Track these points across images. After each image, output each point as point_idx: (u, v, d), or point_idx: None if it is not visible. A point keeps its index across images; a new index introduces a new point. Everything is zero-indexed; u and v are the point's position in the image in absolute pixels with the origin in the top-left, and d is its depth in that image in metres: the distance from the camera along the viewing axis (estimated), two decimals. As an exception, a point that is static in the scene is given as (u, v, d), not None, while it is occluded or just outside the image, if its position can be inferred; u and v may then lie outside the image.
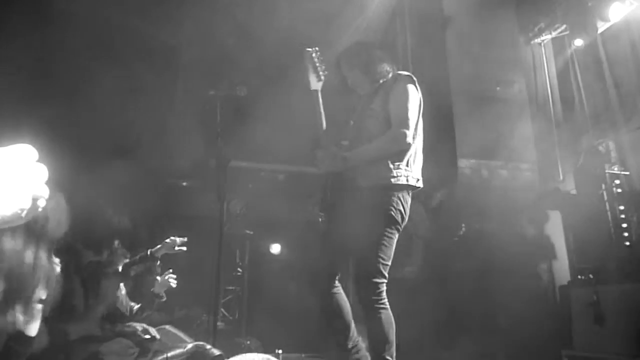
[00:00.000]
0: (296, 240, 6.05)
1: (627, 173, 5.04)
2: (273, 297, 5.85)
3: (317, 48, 2.64)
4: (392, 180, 2.61)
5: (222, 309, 5.70)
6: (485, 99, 5.61)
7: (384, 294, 2.55)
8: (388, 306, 2.55)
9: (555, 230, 5.56)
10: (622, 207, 4.84)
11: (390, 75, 2.82)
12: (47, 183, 0.83)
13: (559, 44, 6.26)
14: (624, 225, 4.78)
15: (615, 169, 5.00)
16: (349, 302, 2.73)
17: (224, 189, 3.31)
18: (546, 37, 6.26)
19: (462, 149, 5.45)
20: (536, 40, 6.29)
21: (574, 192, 5.61)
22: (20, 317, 1.69)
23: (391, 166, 2.62)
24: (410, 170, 2.68)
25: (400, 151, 2.63)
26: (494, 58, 5.72)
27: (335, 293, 2.69)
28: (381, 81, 2.81)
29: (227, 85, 3.26)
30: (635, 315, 4.07)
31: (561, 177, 5.89)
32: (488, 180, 5.48)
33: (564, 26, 5.99)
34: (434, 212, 5.22)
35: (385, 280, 2.56)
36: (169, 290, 3.55)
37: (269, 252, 6.43)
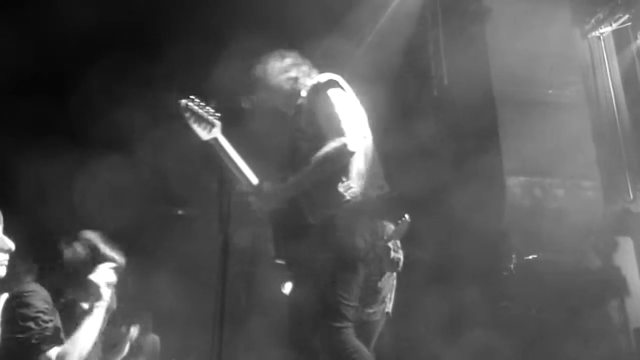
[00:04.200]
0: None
1: None
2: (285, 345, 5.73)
3: (192, 96, 2.63)
4: (346, 205, 2.57)
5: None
6: (536, 104, 5.53)
7: (351, 337, 2.48)
8: (360, 347, 2.48)
9: (627, 260, 5.40)
10: None
11: (306, 81, 2.89)
12: None
13: (621, 37, 6.20)
14: None
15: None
16: None
17: (228, 218, 3.22)
18: (606, 30, 6.21)
19: (510, 164, 5.36)
20: (594, 34, 6.25)
21: (647, 213, 5.50)
22: None
23: (340, 189, 2.58)
24: (364, 180, 2.65)
25: (344, 165, 2.61)
26: (545, 56, 5.64)
27: None
28: (302, 93, 2.86)
29: (229, 96, 3.23)
30: None
31: (631, 196, 5.79)
32: (542, 201, 5.37)
33: (626, 16, 5.94)
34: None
35: (349, 324, 2.49)
36: (165, 341, 3.49)
37: (281, 292, 6.33)
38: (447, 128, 5.44)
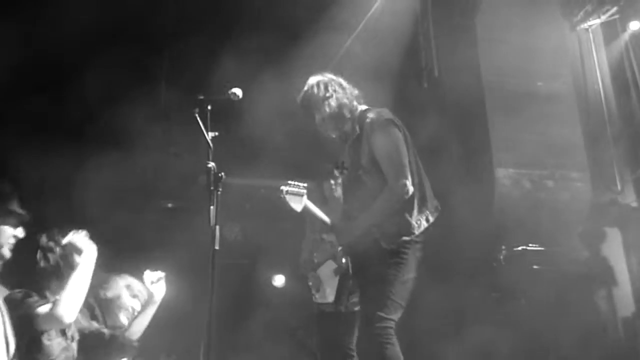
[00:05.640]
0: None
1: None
2: (276, 338, 5.79)
3: (289, 181, 3.13)
4: (415, 230, 3.02)
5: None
6: (525, 96, 5.57)
7: (391, 331, 2.83)
8: (396, 344, 2.81)
9: (614, 250, 5.50)
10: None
11: (351, 105, 3.19)
12: None
13: (610, 30, 6.23)
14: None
15: (684, 175, 4.97)
16: None
17: (216, 210, 3.29)
18: (594, 22, 6.23)
19: (499, 156, 5.42)
20: (583, 26, 6.26)
21: (635, 204, 5.58)
22: None
23: (409, 219, 3.01)
24: (426, 208, 3.09)
25: (406, 200, 3.01)
26: (534, 48, 5.69)
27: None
28: (356, 127, 3.17)
29: (218, 88, 3.29)
30: None
31: (619, 187, 5.86)
32: (531, 192, 5.43)
33: (615, 8, 5.98)
34: None
35: (393, 318, 2.86)
36: (152, 333, 3.54)
37: (272, 285, 6.38)
38: (437, 120, 5.48)
